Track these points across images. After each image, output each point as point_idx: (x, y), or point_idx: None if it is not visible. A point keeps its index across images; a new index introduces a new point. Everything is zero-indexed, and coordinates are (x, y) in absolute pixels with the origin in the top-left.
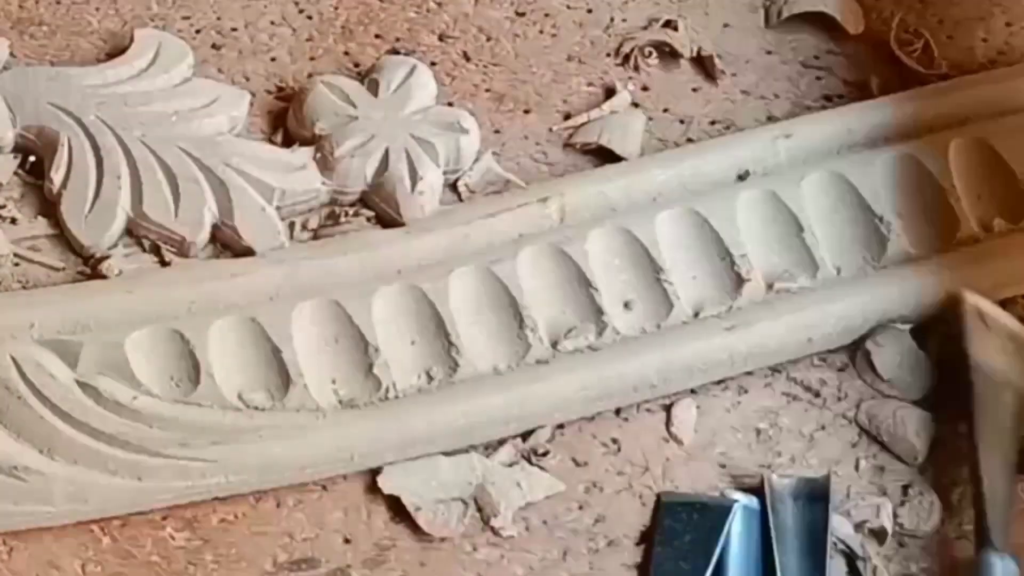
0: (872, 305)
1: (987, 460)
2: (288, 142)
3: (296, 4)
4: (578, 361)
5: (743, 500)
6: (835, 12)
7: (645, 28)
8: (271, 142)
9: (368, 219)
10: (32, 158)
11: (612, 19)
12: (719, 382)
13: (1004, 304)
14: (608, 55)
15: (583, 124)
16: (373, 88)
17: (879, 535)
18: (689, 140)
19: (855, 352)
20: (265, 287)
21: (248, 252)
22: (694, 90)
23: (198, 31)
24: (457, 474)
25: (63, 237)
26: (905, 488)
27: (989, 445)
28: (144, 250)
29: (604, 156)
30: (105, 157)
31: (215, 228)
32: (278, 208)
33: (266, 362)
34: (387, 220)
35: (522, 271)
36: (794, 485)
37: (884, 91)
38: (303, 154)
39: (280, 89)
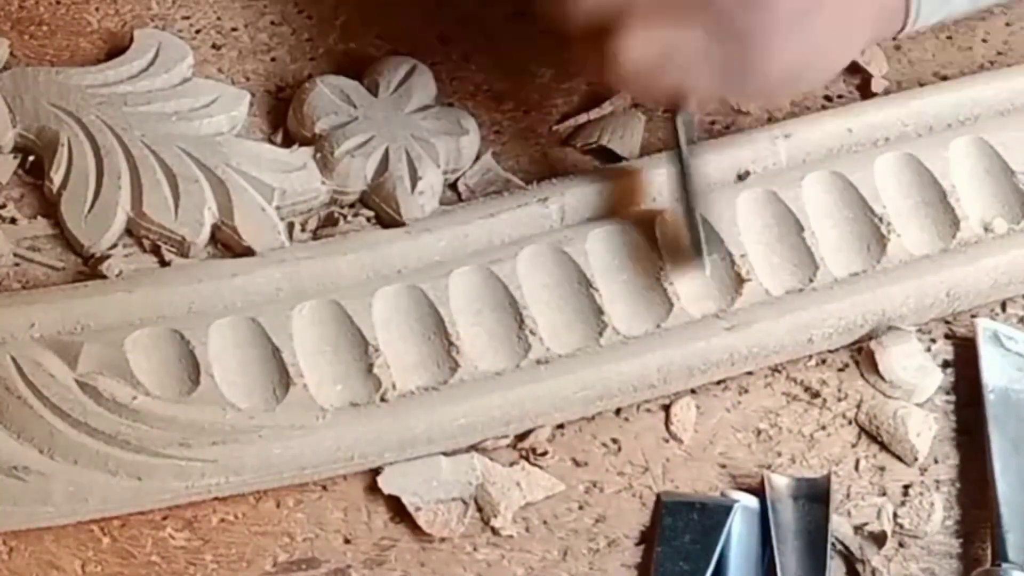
0: (872, 305)
1: (1002, 465)
2: (288, 142)
3: (296, 4)
4: (578, 361)
5: (743, 500)
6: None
7: None
8: (271, 142)
9: (368, 219)
10: (32, 158)
11: None
12: (719, 382)
13: (1004, 304)
14: None
15: (583, 124)
16: (373, 88)
17: (878, 538)
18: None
19: (859, 352)
20: (265, 287)
21: (248, 252)
22: None
23: (198, 31)
24: (457, 474)
25: (63, 237)
26: (906, 488)
27: (1003, 449)
28: (144, 250)
29: (604, 156)
30: (105, 157)
31: (215, 228)
32: (278, 208)
33: (266, 362)
34: (387, 220)
35: (522, 271)
36: (794, 485)
37: (884, 91)
38: (303, 154)
39: (280, 89)
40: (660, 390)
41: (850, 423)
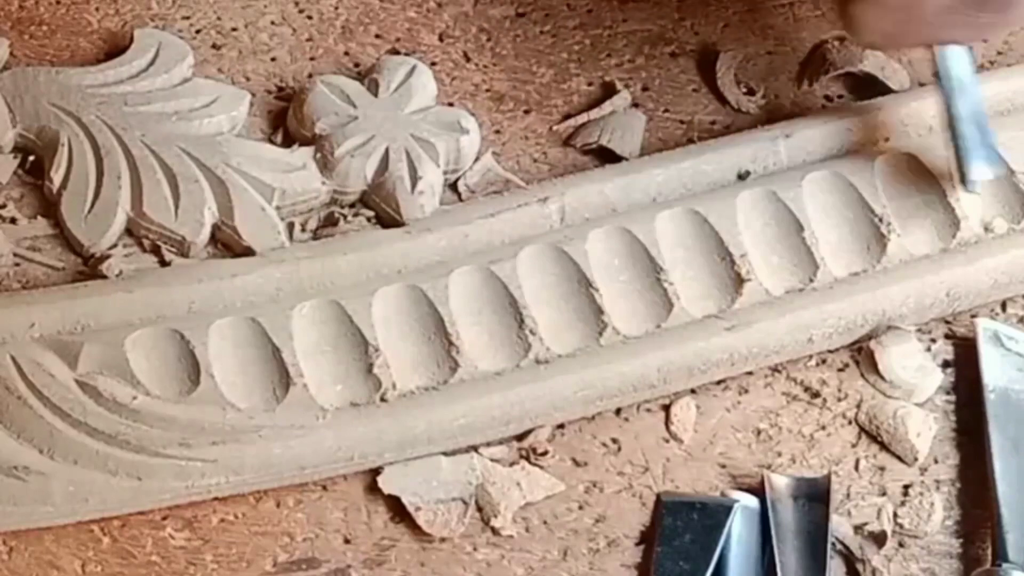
0: (872, 305)
1: (1002, 465)
2: (288, 142)
3: (296, 4)
4: (578, 361)
5: (743, 500)
6: (875, 70)
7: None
8: (271, 142)
9: (368, 219)
10: (32, 158)
11: (613, 19)
12: (719, 382)
13: (1004, 304)
14: (608, 55)
15: (583, 124)
16: (373, 88)
17: (878, 538)
18: (689, 140)
19: (859, 352)
20: (265, 287)
21: (248, 252)
22: (694, 90)
23: (198, 31)
24: (457, 474)
25: (63, 237)
26: (906, 488)
27: (1003, 449)
28: (144, 250)
29: (604, 156)
30: (105, 157)
31: (215, 228)
32: (278, 208)
33: (266, 362)
34: (387, 220)
35: (522, 271)
36: (794, 485)
37: (884, 91)
38: (303, 154)
39: (280, 89)
40: (660, 390)
41: (850, 423)
